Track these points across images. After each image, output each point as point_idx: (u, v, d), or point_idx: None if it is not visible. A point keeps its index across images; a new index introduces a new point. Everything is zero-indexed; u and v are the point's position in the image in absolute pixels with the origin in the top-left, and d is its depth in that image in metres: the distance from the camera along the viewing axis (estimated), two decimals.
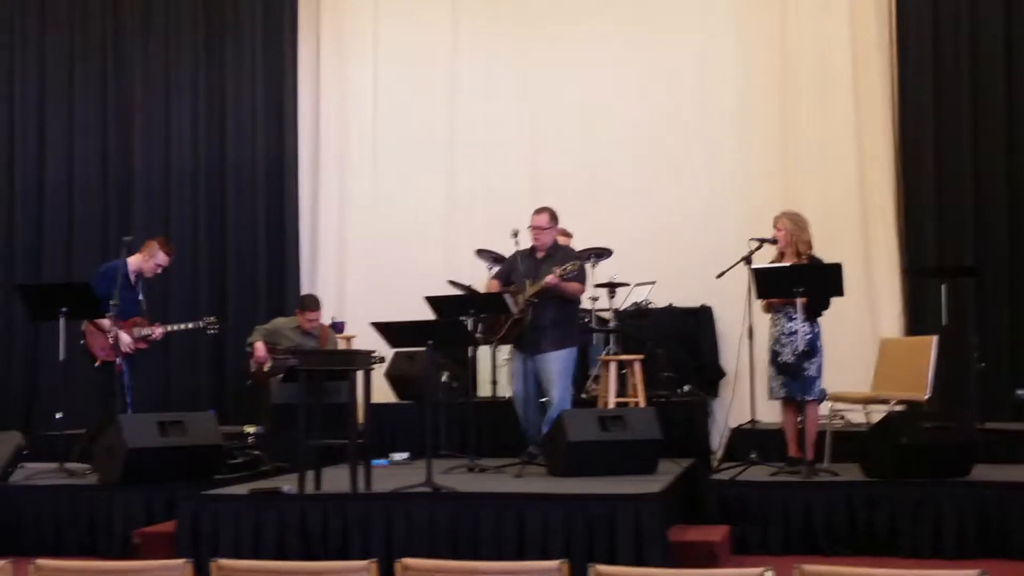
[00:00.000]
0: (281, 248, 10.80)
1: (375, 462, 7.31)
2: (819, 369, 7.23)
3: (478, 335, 8.04)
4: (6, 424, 9.00)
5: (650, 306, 9.45)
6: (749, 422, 7.70)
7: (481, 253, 9.42)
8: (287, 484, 6.79)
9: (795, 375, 7.18)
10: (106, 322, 8.03)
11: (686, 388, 9.41)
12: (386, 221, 10.77)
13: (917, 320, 9.41)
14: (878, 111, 9.90)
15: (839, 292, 7.10)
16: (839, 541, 6.56)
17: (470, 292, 9.10)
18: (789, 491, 6.77)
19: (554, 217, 7.99)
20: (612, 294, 9.23)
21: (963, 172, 9.56)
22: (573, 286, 7.82)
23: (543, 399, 7.92)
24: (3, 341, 10.87)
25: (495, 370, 8.46)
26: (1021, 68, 9.51)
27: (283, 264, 10.79)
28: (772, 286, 7.14)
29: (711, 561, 6.10)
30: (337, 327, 9.83)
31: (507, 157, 10.60)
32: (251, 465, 7.84)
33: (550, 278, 7.67)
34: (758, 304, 7.40)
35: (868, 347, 8.73)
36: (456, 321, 7.40)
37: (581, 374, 9.05)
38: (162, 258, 8.49)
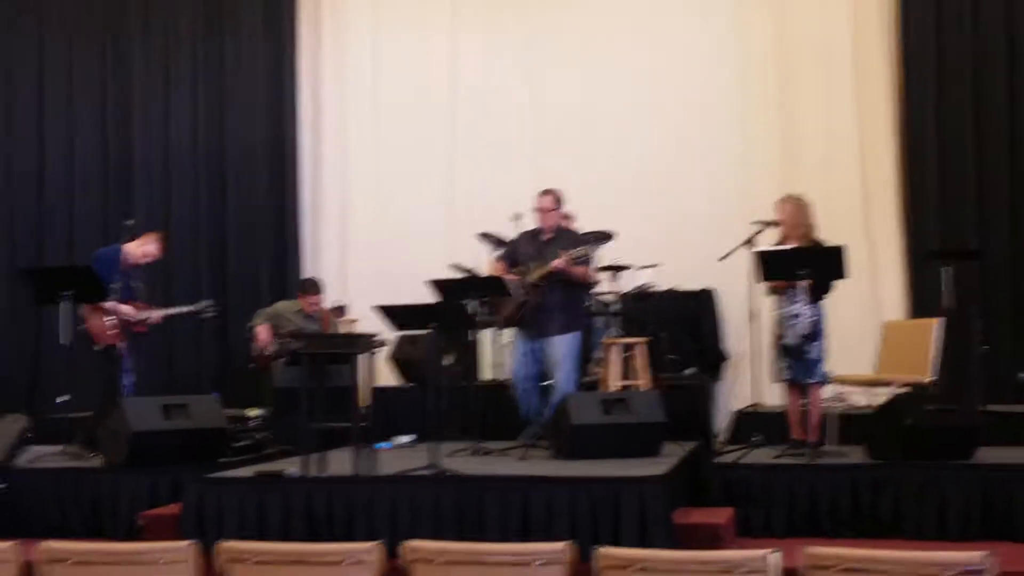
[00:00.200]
0: (282, 231, 10.80)
1: (379, 445, 7.30)
2: (822, 352, 7.22)
3: (484, 317, 8.02)
4: (10, 407, 9.01)
5: (652, 289, 9.45)
6: (752, 405, 7.71)
7: (484, 236, 9.40)
8: (292, 467, 6.81)
9: (798, 358, 7.18)
10: (108, 304, 8.04)
11: (689, 371, 9.41)
12: (388, 204, 10.76)
13: (921, 303, 9.41)
14: (880, 91, 9.88)
15: (842, 275, 7.08)
16: (843, 523, 6.55)
17: (472, 275, 9.08)
18: (793, 473, 6.77)
19: (559, 199, 7.98)
20: (615, 277, 9.23)
21: (966, 156, 9.56)
22: (580, 270, 7.80)
23: (545, 382, 7.91)
24: (6, 325, 10.87)
25: (498, 353, 8.44)
26: None
27: (284, 248, 10.79)
28: (775, 269, 7.12)
29: (715, 543, 6.09)
30: (339, 310, 9.83)
31: (509, 142, 10.57)
32: (256, 448, 7.85)
33: (558, 261, 7.65)
34: (760, 287, 7.39)
35: (872, 330, 8.72)
36: (459, 304, 7.39)
37: (583, 357, 9.04)
38: (153, 249, 8.47)
